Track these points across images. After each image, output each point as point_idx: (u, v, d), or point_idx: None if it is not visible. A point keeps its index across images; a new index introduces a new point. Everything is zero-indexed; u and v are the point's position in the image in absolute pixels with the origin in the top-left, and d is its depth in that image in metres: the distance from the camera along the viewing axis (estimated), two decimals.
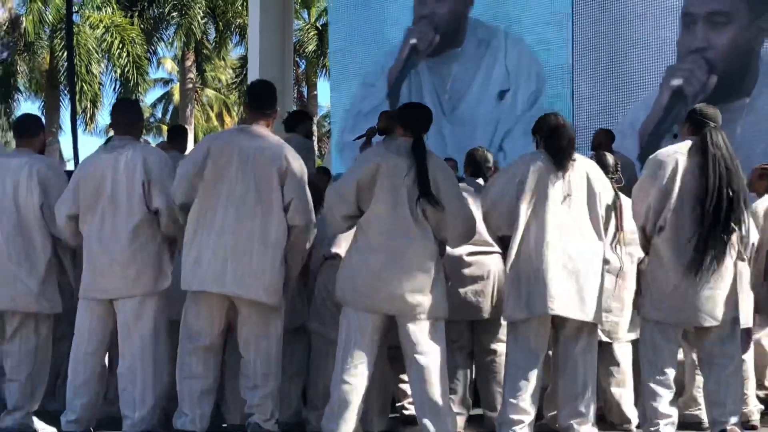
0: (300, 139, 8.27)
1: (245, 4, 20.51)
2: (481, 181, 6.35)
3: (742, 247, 5.66)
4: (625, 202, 5.64)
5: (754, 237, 6.15)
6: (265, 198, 5.36)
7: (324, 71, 26.16)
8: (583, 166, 5.38)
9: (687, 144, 5.34)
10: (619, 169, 6.18)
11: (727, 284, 5.27)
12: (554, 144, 5.35)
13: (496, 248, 5.86)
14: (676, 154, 5.31)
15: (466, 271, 5.98)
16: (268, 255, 5.35)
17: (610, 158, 6.13)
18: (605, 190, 5.40)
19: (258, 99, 5.66)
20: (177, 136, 8.12)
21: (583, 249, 5.27)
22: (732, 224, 5.19)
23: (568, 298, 5.21)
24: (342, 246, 5.88)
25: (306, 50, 26.48)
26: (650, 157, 5.48)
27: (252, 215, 5.34)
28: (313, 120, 10.59)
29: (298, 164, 5.45)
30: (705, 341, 5.35)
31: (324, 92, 30.45)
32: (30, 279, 5.79)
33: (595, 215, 5.34)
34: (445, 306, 5.35)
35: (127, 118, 5.86)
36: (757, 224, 6.25)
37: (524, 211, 5.28)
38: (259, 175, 5.36)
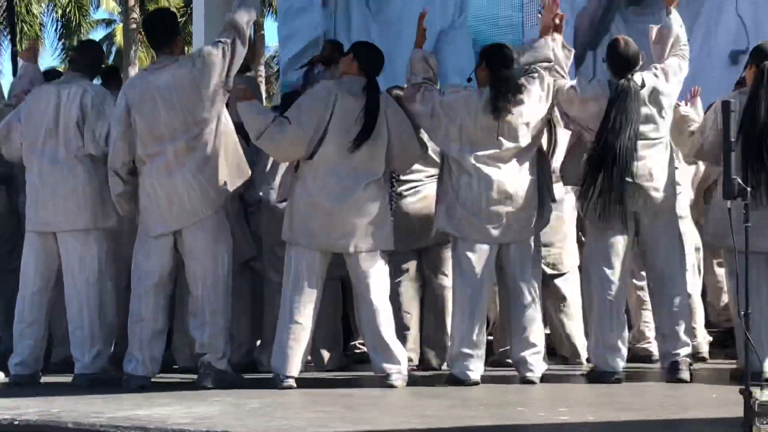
0: (244, 78, 8.11)
1: None
2: None
3: None
4: (561, 135, 5.64)
5: None
6: (199, 120, 5.31)
7: (271, 10, 25.80)
8: (524, 99, 5.33)
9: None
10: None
11: (664, 180, 5.33)
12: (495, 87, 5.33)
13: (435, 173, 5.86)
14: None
15: (409, 200, 5.97)
16: (210, 175, 5.33)
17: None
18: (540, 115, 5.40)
19: (154, 32, 5.61)
20: (111, 77, 7.96)
21: (518, 177, 5.29)
22: None
23: (506, 226, 5.26)
24: (276, 188, 5.91)
25: None
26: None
27: (192, 147, 5.31)
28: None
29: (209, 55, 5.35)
30: (655, 258, 5.36)
31: (271, 32, 30.14)
32: None
33: (531, 143, 5.35)
34: (392, 239, 5.37)
35: (85, 58, 5.89)
36: None
37: (455, 144, 5.30)
38: (187, 99, 5.31)
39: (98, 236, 5.60)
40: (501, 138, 5.28)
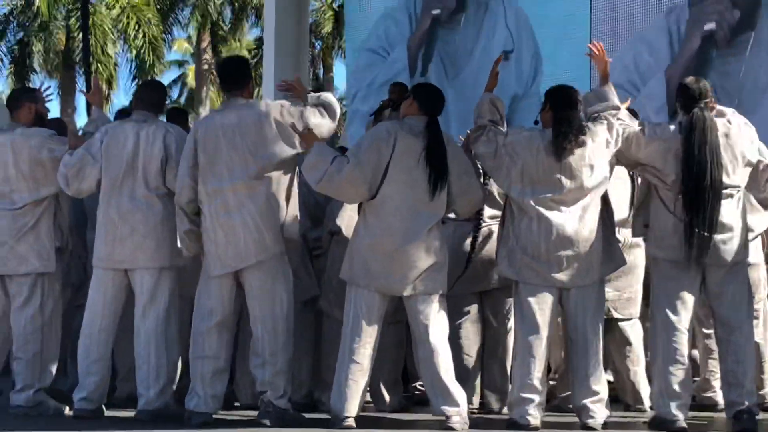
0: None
1: None
2: None
3: None
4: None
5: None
6: (261, 165, 5.38)
7: (340, 52, 26.06)
8: (586, 141, 5.32)
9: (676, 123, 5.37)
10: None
11: (732, 232, 5.25)
12: (558, 131, 5.32)
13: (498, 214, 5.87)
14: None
15: (470, 241, 5.96)
16: (277, 221, 5.39)
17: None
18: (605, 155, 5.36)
19: (226, 77, 5.71)
20: (175, 118, 8.09)
21: (580, 220, 5.25)
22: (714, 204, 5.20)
23: (566, 270, 5.23)
24: (344, 219, 5.89)
25: (322, 31, 26.38)
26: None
27: (252, 188, 5.38)
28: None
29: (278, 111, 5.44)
30: (721, 306, 5.28)
31: (340, 74, 30.41)
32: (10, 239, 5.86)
33: (596, 184, 5.30)
34: (446, 280, 5.37)
35: (153, 97, 6.00)
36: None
37: (518, 187, 5.30)
38: (251, 142, 5.39)
39: (171, 274, 5.70)
40: (563, 179, 5.26)
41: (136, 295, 5.70)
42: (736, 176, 5.33)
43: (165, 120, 6.69)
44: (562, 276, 5.24)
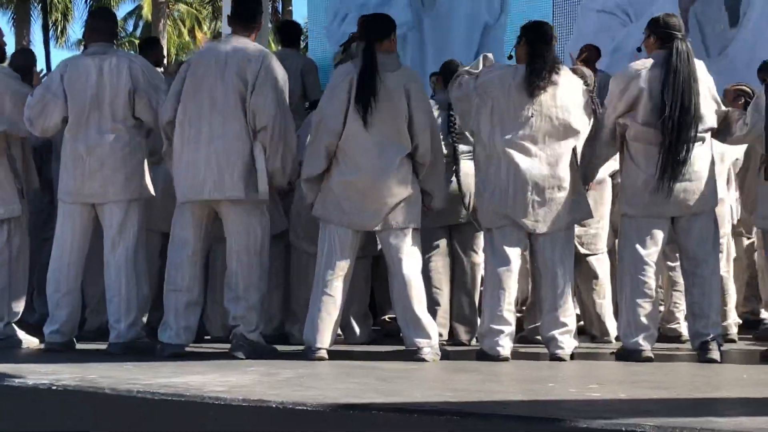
0: (307, 59, 8.12)
1: None
2: None
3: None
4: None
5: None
6: (244, 99, 5.34)
7: None
8: (561, 79, 5.33)
9: (654, 58, 5.36)
10: (595, 83, 6.19)
11: (701, 179, 5.30)
12: (531, 69, 5.32)
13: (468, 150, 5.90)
14: (641, 68, 5.33)
15: None
16: (257, 156, 5.35)
17: (587, 72, 6.12)
18: (579, 102, 5.38)
19: (241, 9, 5.60)
20: (150, 48, 7.98)
21: (551, 163, 5.27)
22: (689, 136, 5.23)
23: (537, 213, 5.26)
24: None
25: None
26: (618, 72, 5.50)
27: (236, 118, 5.34)
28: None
29: (277, 72, 5.40)
30: (689, 242, 5.36)
31: (300, 8, 30.09)
32: None
33: (568, 128, 5.31)
34: (420, 214, 5.39)
35: (106, 27, 5.88)
36: None
37: (487, 125, 5.31)
38: (238, 76, 5.34)
39: (139, 205, 5.69)
40: (533, 118, 5.27)
41: (105, 228, 5.67)
42: (708, 118, 5.37)
43: (139, 50, 6.63)
44: (528, 222, 5.27)
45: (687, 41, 5.35)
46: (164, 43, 25.23)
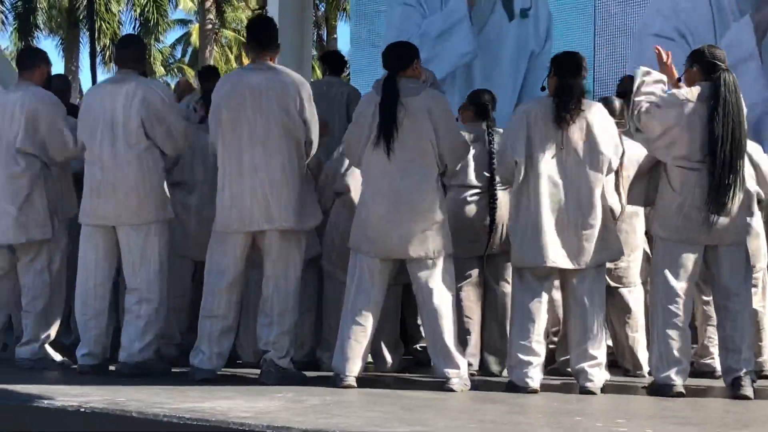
0: (352, 88, 8.23)
1: None
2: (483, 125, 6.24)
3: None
4: (628, 146, 5.60)
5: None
6: (286, 128, 5.40)
7: (344, 13, 25.94)
8: (586, 112, 5.31)
9: (696, 89, 5.29)
10: (625, 114, 6.16)
11: (736, 213, 5.22)
12: (559, 95, 5.32)
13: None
14: (686, 99, 5.25)
15: (473, 207, 5.99)
16: (302, 186, 5.43)
17: (616, 102, 6.09)
18: (609, 137, 5.34)
19: (258, 36, 5.66)
20: (208, 77, 8.08)
21: (581, 198, 5.25)
22: (738, 168, 5.17)
23: (563, 249, 5.23)
24: (351, 180, 5.98)
25: None
26: (664, 96, 5.41)
27: (279, 149, 5.39)
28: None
29: (307, 94, 5.49)
30: (721, 274, 5.30)
31: (344, 36, 30.28)
32: (11, 207, 5.91)
33: (597, 164, 5.28)
34: (451, 242, 5.38)
35: (129, 53, 5.93)
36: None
37: (521, 161, 5.30)
38: (277, 105, 5.39)
39: (159, 228, 5.72)
40: (562, 152, 5.26)
41: (123, 252, 5.70)
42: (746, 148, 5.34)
43: (198, 78, 6.73)
44: (556, 259, 5.23)
45: (732, 74, 5.31)
46: None
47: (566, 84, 5.32)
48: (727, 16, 9.22)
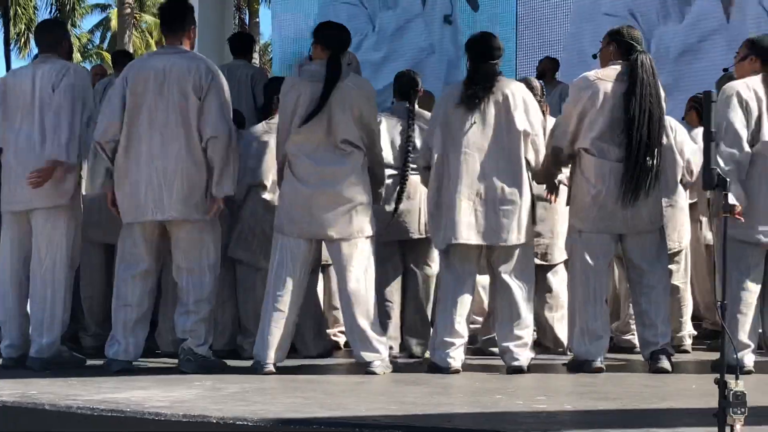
0: (257, 68, 8.15)
1: None
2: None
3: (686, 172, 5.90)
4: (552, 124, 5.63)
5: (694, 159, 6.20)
6: (186, 116, 5.29)
7: None
8: (502, 89, 5.31)
9: (611, 68, 5.31)
10: (545, 93, 6.19)
11: (651, 199, 5.25)
12: (471, 79, 5.33)
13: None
14: (598, 79, 5.26)
15: (392, 189, 5.94)
16: (198, 174, 5.29)
17: (535, 82, 6.12)
18: (531, 113, 5.35)
19: (169, 18, 5.55)
20: (121, 61, 7.94)
21: (498, 176, 5.25)
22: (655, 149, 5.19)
23: (478, 226, 5.23)
24: (269, 175, 5.88)
25: None
26: (574, 80, 5.44)
27: (176, 136, 5.28)
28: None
29: (219, 80, 5.37)
30: (635, 259, 5.34)
31: (266, 20, 30.05)
32: None
33: (513, 142, 5.29)
34: (373, 225, 5.34)
35: (46, 38, 5.78)
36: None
37: (437, 143, 5.30)
38: (178, 92, 5.29)
39: (68, 213, 5.54)
40: (477, 130, 5.25)
41: (34, 237, 5.55)
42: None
43: (112, 63, 6.54)
44: (471, 237, 5.23)
45: (648, 56, 5.32)
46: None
47: (476, 68, 5.34)
48: None
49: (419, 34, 10.95)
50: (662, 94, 5.29)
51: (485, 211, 5.23)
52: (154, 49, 31.54)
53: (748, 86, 5.19)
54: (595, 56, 5.52)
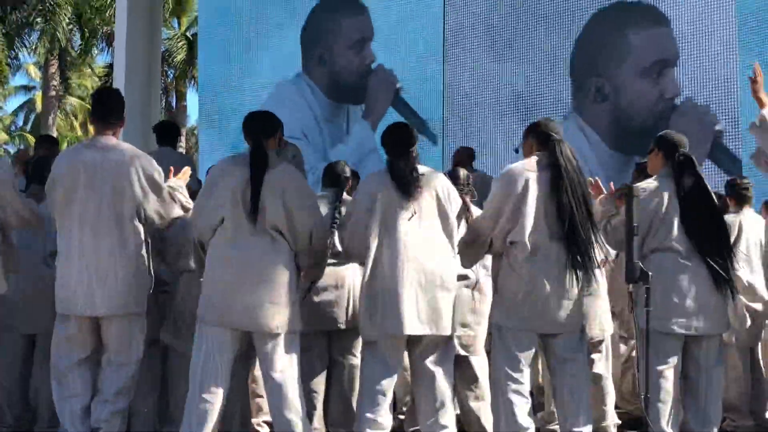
0: (183, 155, 8.18)
1: (114, 12, 20.10)
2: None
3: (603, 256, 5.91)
4: (477, 214, 5.68)
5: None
6: (118, 210, 5.29)
7: (193, 82, 25.81)
8: (431, 181, 5.38)
9: (534, 159, 5.36)
10: (470, 182, 6.27)
11: (575, 297, 5.28)
12: (397, 169, 5.37)
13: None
14: (525, 170, 5.30)
15: (321, 282, 5.92)
16: (130, 268, 5.29)
17: (461, 172, 6.21)
18: (454, 204, 5.42)
19: (102, 108, 5.55)
20: (42, 145, 7.88)
21: (436, 264, 5.28)
22: (591, 236, 5.24)
23: (420, 316, 5.22)
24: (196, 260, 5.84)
25: (175, 60, 26.08)
26: (502, 172, 5.46)
27: (108, 231, 5.27)
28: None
29: (152, 169, 5.41)
30: (556, 350, 5.37)
31: (193, 103, 30.11)
32: None
33: (447, 229, 5.36)
34: (299, 318, 5.30)
35: None
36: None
37: (375, 233, 5.30)
38: (110, 187, 5.29)
39: None
40: (414, 222, 5.28)
41: None
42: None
43: (35, 147, 6.44)
44: (415, 328, 5.21)
45: (565, 143, 5.40)
46: (54, 135, 24.93)
47: (396, 161, 5.39)
48: None
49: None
50: (585, 180, 5.38)
51: (427, 300, 5.24)
52: (79, 131, 31.42)
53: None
54: (517, 150, 5.59)
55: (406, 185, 5.30)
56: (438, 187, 5.37)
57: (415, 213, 5.30)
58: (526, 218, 5.20)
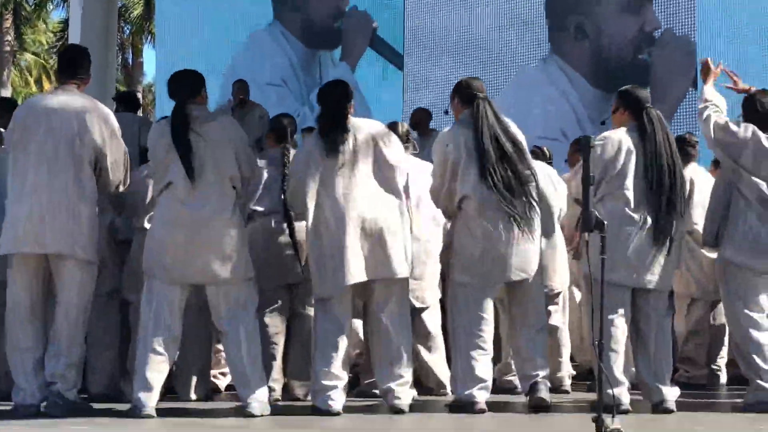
0: (141, 117, 8.27)
1: None
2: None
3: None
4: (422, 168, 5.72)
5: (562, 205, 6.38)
6: (77, 151, 5.23)
7: (150, 38, 25.50)
8: (364, 130, 5.37)
9: (461, 119, 5.45)
10: (410, 137, 6.29)
11: (535, 242, 5.37)
12: (321, 125, 5.40)
13: None
14: (456, 133, 5.40)
15: (278, 233, 5.93)
16: (84, 209, 5.21)
17: (400, 126, 6.25)
18: (394, 146, 5.41)
19: (68, 64, 5.51)
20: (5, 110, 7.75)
21: (378, 210, 5.27)
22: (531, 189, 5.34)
23: (368, 263, 5.23)
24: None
25: (131, 15, 25.73)
26: (436, 139, 5.56)
27: (65, 169, 5.20)
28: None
29: (113, 122, 5.36)
30: (515, 300, 5.43)
31: (150, 59, 29.76)
32: None
33: (389, 172, 5.35)
34: (251, 266, 5.30)
35: None
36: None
37: (312, 191, 5.30)
38: (71, 128, 5.22)
39: None
40: (342, 175, 5.27)
41: None
42: None
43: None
44: (358, 275, 5.21)
45: (488, 100, 5.46)
46: (9, 93, 24.56)
47: (327, 115, 5.41)
48: None
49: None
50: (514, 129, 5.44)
51: (372, 246, 5.24)
52: (34, 87, 30.97)
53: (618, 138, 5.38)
54: (446, 112, 5.67)
55: (332, 141, 5.30)
56: (372, 133, 5.37)
57: (343, 165, 5.28)
58: (466, 176, 5.30)
